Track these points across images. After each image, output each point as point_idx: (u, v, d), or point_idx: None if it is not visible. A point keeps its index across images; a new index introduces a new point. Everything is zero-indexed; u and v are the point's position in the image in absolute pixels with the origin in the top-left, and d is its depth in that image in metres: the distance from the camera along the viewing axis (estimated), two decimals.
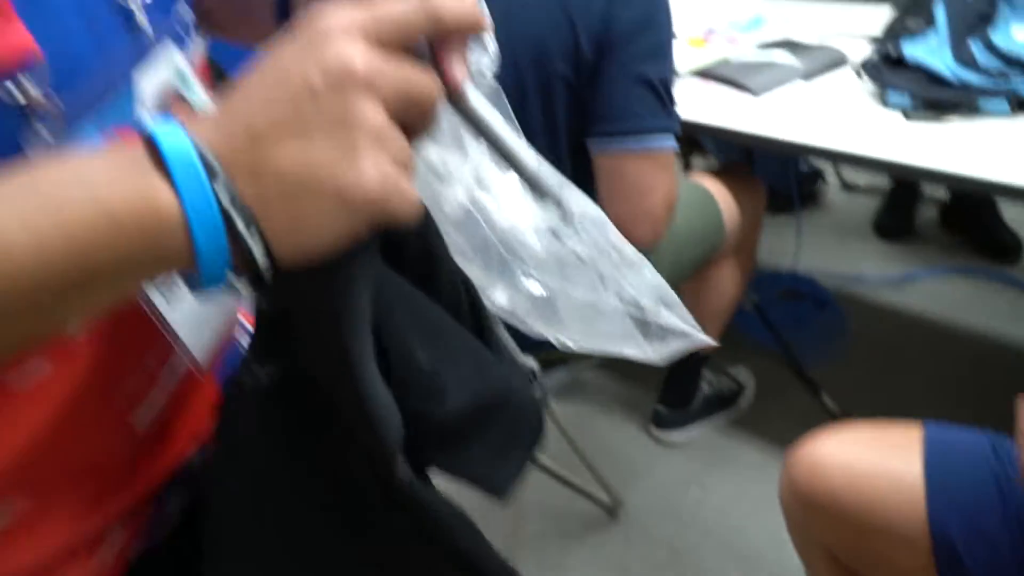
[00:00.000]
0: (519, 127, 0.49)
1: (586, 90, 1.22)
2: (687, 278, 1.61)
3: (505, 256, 0.56)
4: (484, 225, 0.56)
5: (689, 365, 1.85)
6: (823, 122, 1.44)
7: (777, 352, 2.07)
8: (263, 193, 0.36)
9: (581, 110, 1.24)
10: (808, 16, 2.03)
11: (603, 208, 1.35)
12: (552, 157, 1.26)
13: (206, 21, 0.62)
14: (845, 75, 1.62)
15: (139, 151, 0.36)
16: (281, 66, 0.36)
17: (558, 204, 0.45)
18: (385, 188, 0.36)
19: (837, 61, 1.67)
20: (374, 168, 0.36)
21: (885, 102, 1.46)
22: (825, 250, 2.50)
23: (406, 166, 0.38)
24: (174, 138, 0.35)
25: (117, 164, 0.36)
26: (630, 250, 0.63)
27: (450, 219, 0.56)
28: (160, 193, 0.35)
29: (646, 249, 1.37)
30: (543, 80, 1.22)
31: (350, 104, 0.35)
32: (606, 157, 1.26)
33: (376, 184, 0.36)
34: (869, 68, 1.52)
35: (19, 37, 0.40)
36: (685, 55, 1.77)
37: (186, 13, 0.56)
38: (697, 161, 2.66)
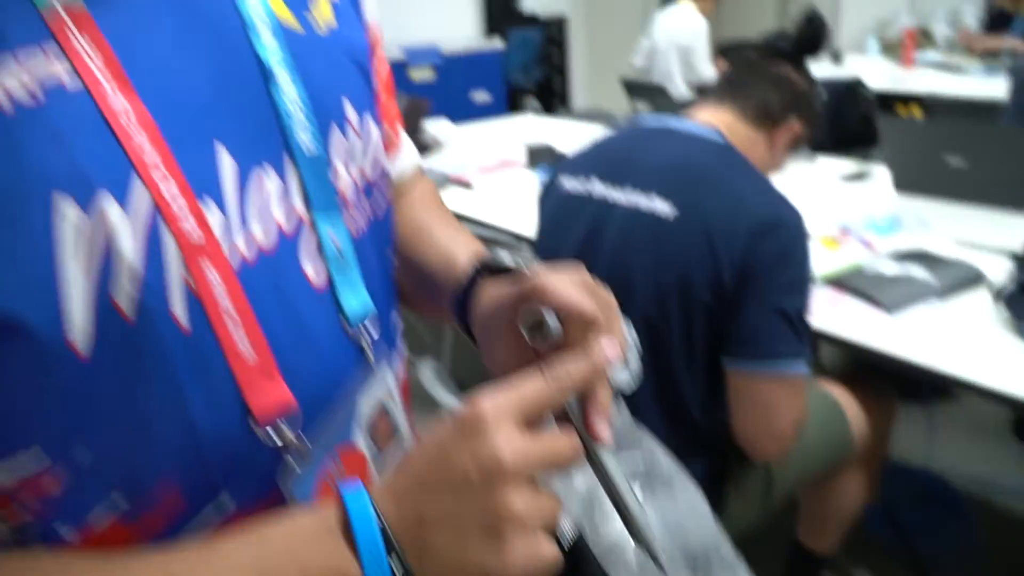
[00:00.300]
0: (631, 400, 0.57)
1: (724, 316, 1.30)
2: (811, 484, 1.62)
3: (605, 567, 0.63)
4: (589, 539, 0.63)
5: (809, 565, 1.83)
6: (956, 347, 1.46)
7: (903, 556, 2.01)
8: (424, 568, 0.45)
9: (719, 332, 1.32)
10: (946, 218, 2.06)
11: (733, 422, 1.41)
12: (688, 371, 1.35)
13: (402, 300, 0.74)
14: (981, 297, 1.63)
15: (335, 520, 0.46)
16: (445, 452, 0.46)
17: (654, 558, 0.51)
18: (527, 567, 0.45)
19: (974, 279, 1.69)
20: (519, 553, 0.45)
21: (1022, 333, 1.47)
22: (959, 448, 2.43)
23: (548, 526, 0.47)
24: (363, 513, 0.46)
25: (317, 535, 0.46)
26: (727, 550, 0.69)
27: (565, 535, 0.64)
28: (348, 565, 0.45)
29: (771, 462, 1.41)
30: (685, 303, 1.31)
31: (500, 499, 0.45)
32: (739, 377, 1.32)
33: (519, 567, 0.45)
34: (1006, 295, 1.54)
35: (281, 394, 0.51)
36: (818, 257, 1.83)
37: (398, 321, 0.68)
38: (825, 349, 2.66)
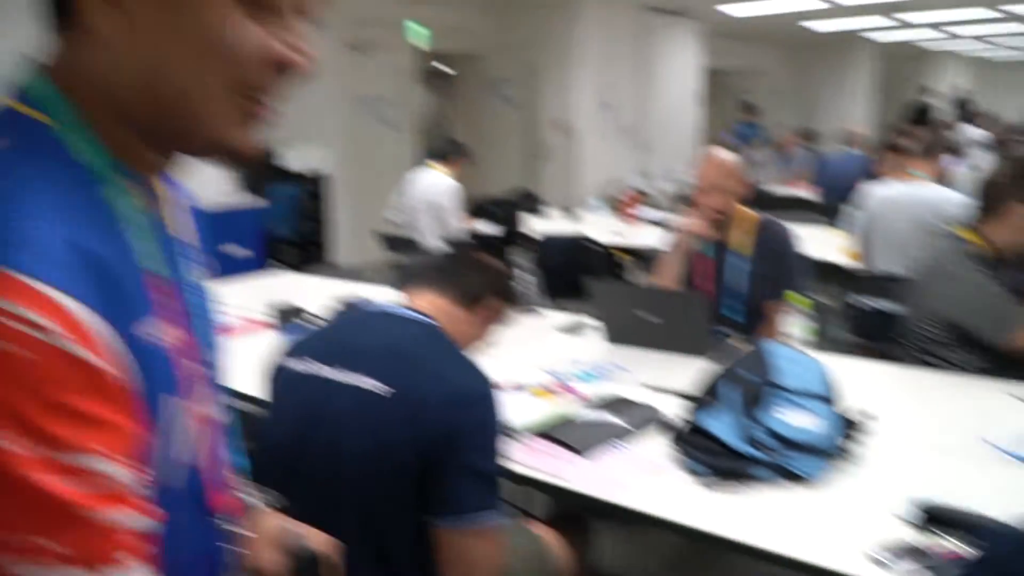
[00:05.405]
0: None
1: (430, 480, 1.45)
2: None
3: None
4: None
5: None
6: (637, 482, 1.70)
7: None
8: None
9: (426, 495, 1.46)
10: (642, 365, 2.39)
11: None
12: (402, 535, 1.48)
13: None
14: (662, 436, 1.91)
15: None
16: None
17: None
18: None
19: (650, 418, 1.98)
20: None
21: (685, 466, 1.75)
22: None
23: None
24: None
25: None
26: None
27: None
28: None
29: None
30: (395, 472, 1.45)
31: None
32: (444, 534, 1.46)
33: None
34: (673, 434, 1.83)
35: None
36: (529, 407, 2.07)
37: None
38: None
